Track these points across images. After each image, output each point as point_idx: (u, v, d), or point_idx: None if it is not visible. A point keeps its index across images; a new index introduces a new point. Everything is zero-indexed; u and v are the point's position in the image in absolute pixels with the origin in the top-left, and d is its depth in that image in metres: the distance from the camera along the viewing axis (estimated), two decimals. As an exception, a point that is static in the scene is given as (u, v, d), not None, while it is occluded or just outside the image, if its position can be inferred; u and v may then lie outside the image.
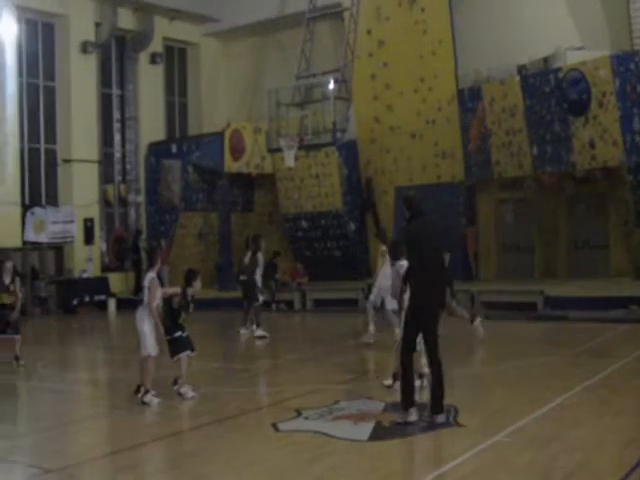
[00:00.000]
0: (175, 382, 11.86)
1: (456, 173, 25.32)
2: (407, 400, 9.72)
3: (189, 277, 12.04)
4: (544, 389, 11.35)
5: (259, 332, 18.04)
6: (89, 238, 28.22)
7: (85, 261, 27.86)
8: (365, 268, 25.90)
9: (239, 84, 32.30)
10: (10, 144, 26.05)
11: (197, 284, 12.02)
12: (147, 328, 11.56)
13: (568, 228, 24.96)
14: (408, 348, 9.79)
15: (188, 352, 11.90)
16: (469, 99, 24.90)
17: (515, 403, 10.68)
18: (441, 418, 9.62)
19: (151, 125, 30.76)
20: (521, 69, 24.31)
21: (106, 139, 30.07)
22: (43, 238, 26.99)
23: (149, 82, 30.99)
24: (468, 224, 25.14)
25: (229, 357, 16.89)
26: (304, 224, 27.81)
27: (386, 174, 27.18)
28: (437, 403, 9.70)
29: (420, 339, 9.93)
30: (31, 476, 8.44)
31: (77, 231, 27.84)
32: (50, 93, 28.38)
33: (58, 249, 27.68)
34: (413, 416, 9.66)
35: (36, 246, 26.87)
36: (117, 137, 30.45)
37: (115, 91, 30.60)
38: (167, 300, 11.84)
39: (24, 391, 14.01)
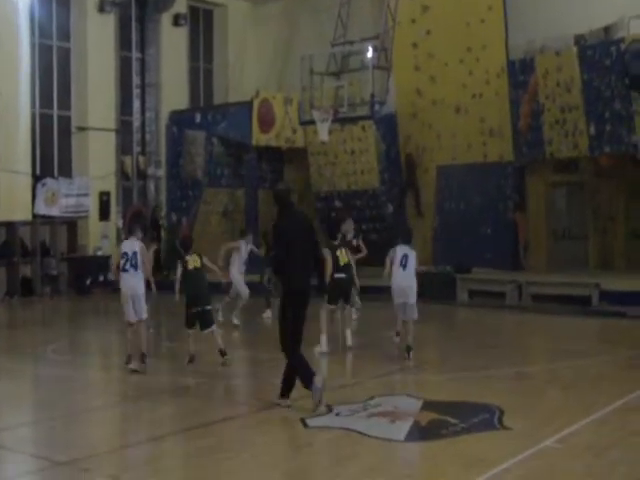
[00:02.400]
0: (223, 353, 13.43)
1: (504, 153, 25.07)
2: (285, 389, 10.65)
3: None
4: (600, 392, 11.25)
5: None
6: (105, 213, 28.26)
7: (100, 238, 27.95)
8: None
9: (269, 50, 32.17)
10: (20, 109, 26.09)
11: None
12: (144, 291, 13.31)
13: (627, 215, 24.68)
14: (294, 340, 10.58)
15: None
16: (520, 72, 24.59)
17: (568, 406, 10.59)
18: (285, 402, 10.58)
19: (173, 92, 30.68)
20: (579, 39, 23.95)
21: (124, 106, 29.96)
22: (55, 212, 27.03)
23: (172, 46, 30.90)
24: (517, 209, 24.85)
25: (254, 346, 16.85)
26: (337, 204, 27.73)
27: (427, 151, 26.99)
28: (285, 388, 10.63)
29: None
30: (40, 469, 8.46)
31: (92, 205, 27.86)
32: (64, 55, 28.35)
33: (71, 224, 27.71)
34: (286, 402, 10.62)
35: (47, 220, 26.91)
36: (136, 104, 30.38)
37: (135, 54, 30.51)
38: (203, 272, 13.59)
39: (31, 377, 14.07)
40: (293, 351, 10.57)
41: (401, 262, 14.23)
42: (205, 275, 13.68)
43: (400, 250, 14.31)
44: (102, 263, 27.39)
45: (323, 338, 14.72)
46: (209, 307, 13.51)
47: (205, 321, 13.43)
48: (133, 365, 12.99)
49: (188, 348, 13.51)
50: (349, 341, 15.21)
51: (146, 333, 13.49)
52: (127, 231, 14.32)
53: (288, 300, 10.61)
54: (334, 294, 14.81)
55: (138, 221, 14.29)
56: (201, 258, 13.67)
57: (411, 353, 14.01)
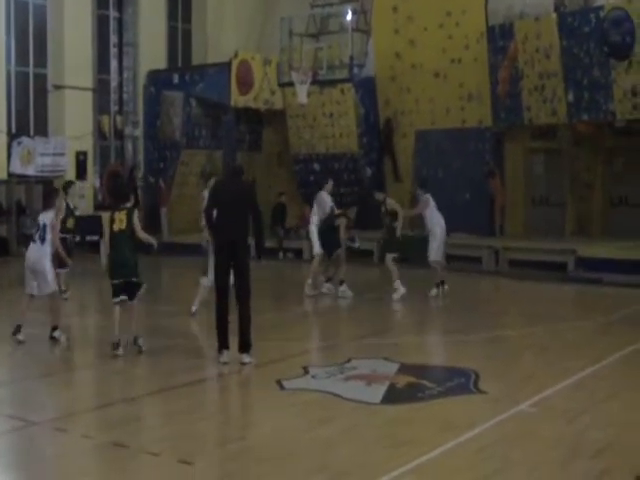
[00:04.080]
0: (136, 340, 11.78)
1: (483, 118, 25.00)
2: (219, 342, 10.88)
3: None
4: (575, 357, 11.32)
5: None
6: (81, 173, 28.00)
7: (76, 198, 27.67)
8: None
9: (249, 10, 31.84)
10: (-4, 66, 25.84)
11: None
12: (49, 265, 12.36)
13: (604, 183, 24.73)
14: (219, 294, 11.00)
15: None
16: (500, 37, 24.44)
17: (542, 371, 10.65)
18: (247, 358, 10.76)
19: (151, 52, 30.34)
20: (558, 6, 23.87)
21: (102, 65, 29.64)
22: (31, 171, 26.77)
23: (150, 5, 30.46)
24: (494, 174, 24.82)
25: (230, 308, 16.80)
26: (316, 167, 27.63)
27: (406, 115, 26.87)
28: (244, 344, 10.83)
29: None
30: (14, 428, 8.42)
31: (68, 165, 27.61)
32: (40, 12, 27.88)
33: (47, 183, 27.47)
34: (224, 357, 10.79)
35: (23, 179, 26.70)
36: (114, 63, 30.09)
37: (112, 13, 30.13)
38: (135, 237, 11.78)
39: (6, 337, 13.97)
40: (217, 306, 10.97)
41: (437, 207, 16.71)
42: (129, 237, 11.71)
43: (431, 198, 16.76)
44: (78, 223, 27.14)
45: (397, 283, 16.40)
46: (135, 279, 11.79)
47: (131, 292, 11.83)
48: (21, 336, 12.39)
49: (113, 328, 11.74)
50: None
51: (56, 305, 12.71)
52: (44, 203, 13.35)
53: (217, 251, 11.24)
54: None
55: (56, 193, 13.57)
56: (130, 216, 11.75)
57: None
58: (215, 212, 11.20)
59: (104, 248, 12.55)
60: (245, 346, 10.81)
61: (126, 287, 11.76)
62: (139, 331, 11.81)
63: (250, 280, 10.96)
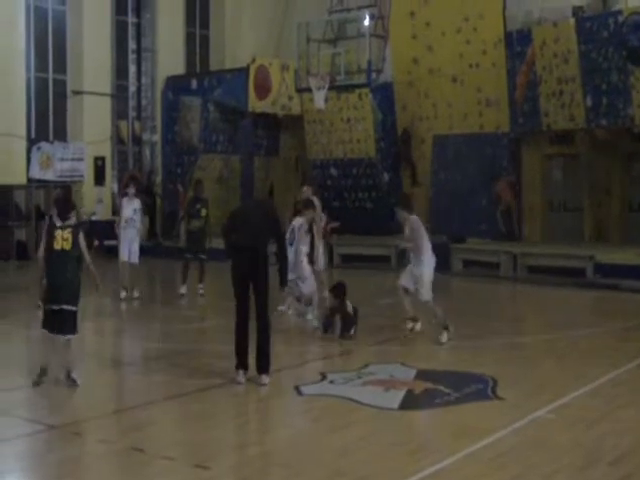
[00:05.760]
0: (69, 375, 10.23)
1: (500, 123, 24.96)
2: (237, 361, 10.24)
3: None
4: (592, 364, 11.27)
5: None
6: (100, 178, 28.17)
7: (95, 203, 27.84)
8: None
9: (266, 16, 31.91)
10: (16, 72, 25.91)
11: None
12: None
13: (622, 188, 24.57)
14: (239, 312, 10.33)
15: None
16: (518, 42, 24.39)
17: (560, 377, 10.62)
18: (266, 379, 10.07)
19: (169, 58, 30.48)
20: (577, 11, 23.88)
21: (120, 71, 29.87)
22: (50, 176, 26.95)
23: (168, 10, 30.63)
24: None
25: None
26: (333, 171, 27.64)
27: (424, 121, 26.87)
28: (262, 364, 10.15)
29: None
30: (34, 432, 8.43)
31: (87, 170, 27.79)
32: (60, 18, 28.11)
33: (66, 188, 27.63)
34: (240, 377, 10.14)
35: (42, 184, 26.84)
36: (132, 69, 30.29)
37: (131, 19, 30.32)
38: (72, 255, 10.28)
39: (23, 340, 14.03)
40: (236, 323, 10.35)
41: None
42: (74, 259, 10.30)
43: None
44: (96, 228, 27.24)
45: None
46: (71, 308, 10.18)
47: (63, 324, 10.11)
48: None
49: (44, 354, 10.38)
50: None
51: None
52: None
53: (232, 259, 10.50)
54: None
55: None
56: (76, 234, 10.23)
57: None
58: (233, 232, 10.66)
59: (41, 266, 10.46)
60: (263, 366, 10.20)
61: (59, 317, 10.10)
62: (73, 364, 10.31)
63: (268, 296, 10.49)
